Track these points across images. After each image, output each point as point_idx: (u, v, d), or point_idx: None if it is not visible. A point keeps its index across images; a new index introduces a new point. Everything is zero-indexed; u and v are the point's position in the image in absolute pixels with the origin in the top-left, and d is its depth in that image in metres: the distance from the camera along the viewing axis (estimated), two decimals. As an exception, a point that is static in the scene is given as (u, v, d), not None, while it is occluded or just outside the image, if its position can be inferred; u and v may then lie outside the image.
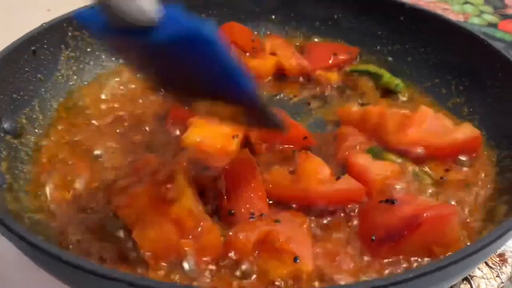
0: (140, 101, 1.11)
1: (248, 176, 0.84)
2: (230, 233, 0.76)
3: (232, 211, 0.81)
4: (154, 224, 0.74)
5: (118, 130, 1.02)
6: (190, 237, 0.75)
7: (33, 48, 1.03)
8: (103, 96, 1.11)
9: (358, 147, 0.95)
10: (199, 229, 0.75)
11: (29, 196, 0.87)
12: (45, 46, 1.06)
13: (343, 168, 0.92)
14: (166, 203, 0.75)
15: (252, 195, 0.82)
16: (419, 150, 0.93)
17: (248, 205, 0.81)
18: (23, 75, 1.01)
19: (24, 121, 0.98)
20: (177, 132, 0.99)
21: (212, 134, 0.94)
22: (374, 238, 0.78)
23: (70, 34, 1.11)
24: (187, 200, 0.76)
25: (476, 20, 1.60)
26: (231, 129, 0.95)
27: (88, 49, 1.15)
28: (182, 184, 0.78)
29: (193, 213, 0.76)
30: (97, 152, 0.97)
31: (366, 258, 0.78)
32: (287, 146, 0.96)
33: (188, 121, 0.97)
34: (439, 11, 1.53)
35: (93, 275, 0.59)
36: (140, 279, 0.61)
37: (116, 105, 1.09)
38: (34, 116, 1.01)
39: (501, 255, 0.88)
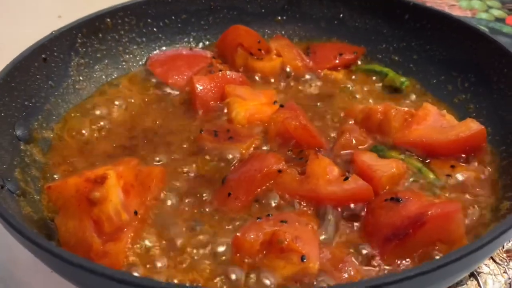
0: (147, 99, 1.14)
1: (260, 170, 0.88)
2: (238, 234, 0.77)
3: (231, 193, 0.86)
4: (75, 216, 0.76)
5: (128, 133, 1.04)
6: (104, 237, 0.77)
7: (43, 56, 1.06)
8: (116, 102, 1.13)
9: (355, 141, 0.97)
10: (115, 236, 0.77)
11: (41, 200, 0.89)
12: (55, 54, 1.09)
13: (346, 164, 0.93)
14: (90, 202, 0.76)
15: (255, 187, 0.87)
16: (424, 147, 0.94)
17: (249, 194, 0.87)
18: (35, 82, 1.03)
19: (36, 127, 1.00)
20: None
21: (255, 106, 1.05)
22: (380, 236, 0.79)
23: (79, 41, 1.13)
24: (109, 205, 0.76)
25: (483, 15, 1.60)
26: (266, 98, 1.07)
27: (98, 55, 1.17)
28: (111, 188, 0.77)
29: (113, 220, 0.77)
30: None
31: (371, 256, 0.79)
32: (297, 146, 0.98)
33: (225, 102, 1.06)
34: (446, 8, 1.53)
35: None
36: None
37: (126, 109, 1.11)
38: (46, 122, 1.03)
39: (508, 251, 0.89)
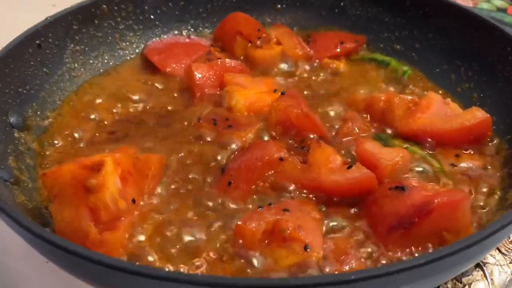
0: (144, 88, 1.11)
1: (261, 158, 0.85)
2: (239, 223, 0.75)
3: (231, 182, 0.83)
4: (71, 205, 0.74)
5: (125, 122, 1.02)
6: (101, 226, 0.74)
7: (38, 42, 1.03)
8: (107, 91, 1.10)
9: (357, 130, 0.95)
10: (112, 224, 0.75)
11: (36, 188, 0.87)
12: (50, 40, 1.06)
13: (349, 153, 0.91)
14: (86, 189, 0.74)
15: (256, 176, 0.85)
16: (428, 136, 0.92)
17: (249, 183, 0.84)
18: (29, 69, 1.01)
19: (30, 115, 0.97)
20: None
21: (255, 94, 1.02)
22: (384, 225, 0.77)
23: (75, 27, 1.11)
24: (106, 192, 0.74)
25: (485, 5, 1.58)
26: (266, 86, 1.04)
27: (94, 42, 1.15)
28: (108, 175, 0.74)
29: (110, 208, 0.74)
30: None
31: (376, 247, 0.77)
32: (299, 135, 0.95)
33: (224, 90, 1.03)
34: (447, -3, 1.50)
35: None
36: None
37: (123, 98, 1.08)
38: (40, 110, 1.00)
39: (514, 241, 0.87)
